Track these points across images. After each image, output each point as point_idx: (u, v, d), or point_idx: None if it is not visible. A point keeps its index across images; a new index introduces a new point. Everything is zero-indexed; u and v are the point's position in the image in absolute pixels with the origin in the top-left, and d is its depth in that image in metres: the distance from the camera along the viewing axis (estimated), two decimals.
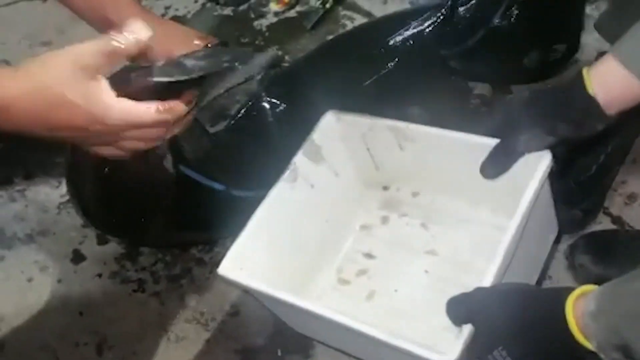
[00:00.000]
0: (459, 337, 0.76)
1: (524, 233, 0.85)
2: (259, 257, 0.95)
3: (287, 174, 0.99)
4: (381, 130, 1.01)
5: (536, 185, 0.86)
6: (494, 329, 0.73)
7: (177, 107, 0.76)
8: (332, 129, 1.04)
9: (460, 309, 0.77)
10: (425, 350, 0.76)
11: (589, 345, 0.65)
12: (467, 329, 0.76)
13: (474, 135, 0.93)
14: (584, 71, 0.84)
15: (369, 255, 1.06)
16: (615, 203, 1.08)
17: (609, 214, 1.07)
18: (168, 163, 0.98)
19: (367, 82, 1.12)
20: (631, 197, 1.09)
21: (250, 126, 1.06)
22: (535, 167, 0.87)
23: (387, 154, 1.04)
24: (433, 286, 1.00)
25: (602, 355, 0.65)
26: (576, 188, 1.05)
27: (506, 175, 0.90)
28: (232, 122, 1.05)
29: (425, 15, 1.08)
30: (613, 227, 1.06)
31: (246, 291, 0.97)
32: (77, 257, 1.22)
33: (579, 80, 0.84)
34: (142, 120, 0.73)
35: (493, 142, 0.91)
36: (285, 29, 1.52)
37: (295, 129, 1.05)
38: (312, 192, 1.03)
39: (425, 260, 1.02)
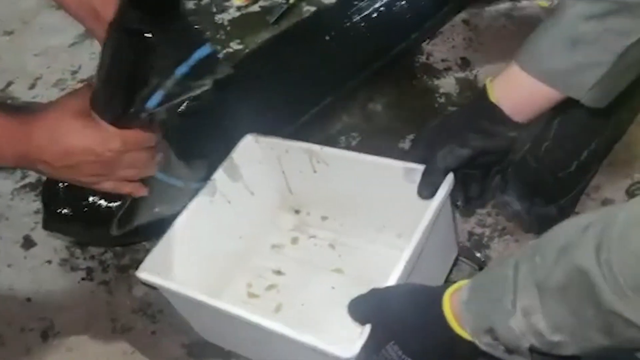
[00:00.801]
0: (360, 335, 0.80)
1: (423, 252, 0.88)
2: (175, 265, 0.98)
3: (206, 188, 1.03)
4: (297, 152, 1.05)
5: (434, 208, 0.89)
6: (385, 325, 0.78)
7: (157, 131, 0.91)
8: (251, 150, 1.08)
9: (359, 309, 0.82)
10: (329, 344, 0.80)
11: (465, 333, 0.71)
12: (367, 327, 0.80)
13: (385, 158, 0.97)
14: (487, 81, 0.90)
15: (278, 272, 1.09)
16: (588, 208, 1.09)
17: None
18: None
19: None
20: (605, 203, 1.10)
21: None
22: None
23: (301, 177, 1.08)
24: (339, 301, 1.02)
25: (476, 341, 0.70)
26: (554, 184, 1.07)
27: (410, 200, 0.93)
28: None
29: None
30: None
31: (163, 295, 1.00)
32: (28, 243, 1.22)
33: (483, 90, 0.89)
34: (136, 142, 0.88)
35: (400, 164, 0.95)
36: (248, 24, 1.53)
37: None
38: (228, 208, 1.07)
39: (332, 277, 1.06)
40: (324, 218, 1.13)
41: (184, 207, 1.02)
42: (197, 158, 1.05)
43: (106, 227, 1.00)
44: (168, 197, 1.02)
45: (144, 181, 0.97)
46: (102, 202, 0.98)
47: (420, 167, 0.94)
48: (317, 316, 1.02)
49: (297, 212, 1.15)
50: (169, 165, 1.00)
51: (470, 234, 1.11)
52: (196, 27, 0.88)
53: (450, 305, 0.73)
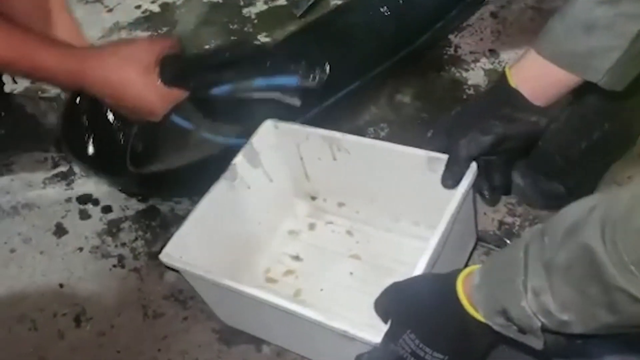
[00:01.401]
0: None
1: (445, 243, 0.89)
2: (196, 248, 0.99)
3: (227, 172, 1.04)
4: (317, 139, 1.05)
5: (459, 198, 0.90)
6: (403, 315, 0.79)
7: None
8: (270, 136, 1.08)
9: (380, 304, 0.83)
10: (358, 329, 0.81)
11: (478, 315, 0.72)
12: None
13: (408, 147, 0.98)
14: (507, 68, 0.90)
15: (296, 258, 1.10)
16: None
17: None
18: None
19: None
20: None
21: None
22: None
23: (319, 164, 1.08)
24: (357, 287, 1.05)
25: (489, 323, 0.72)
26: (562, 162, 1.07)
27: (430, 188, 0.94)
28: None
29: None
30: None
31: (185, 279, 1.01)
32: (60, 231, 1.24)
33: (503, 77, 0.90)
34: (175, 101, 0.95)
35: (424, 153, 0.95)
36: (275, 17, 1.54)
37: None
38: (248, 193, 1.08)
39: (349, 263, 1.07)
40: (340, 205, 1.14)
41: (195, 160, 1.04)
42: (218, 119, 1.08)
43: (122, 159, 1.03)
44: (179, 143, 1.04)
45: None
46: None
47: (444, 157, 0.94)
48: (336, 301, 1.02)
49: (313, 198, 1.15)
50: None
51: (501, 223, 1.12)
52: (322, 63, 0.93)
53: (463, 288, 0.74)
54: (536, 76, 0.88)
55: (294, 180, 1.14)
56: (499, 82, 0.92)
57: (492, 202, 1.11)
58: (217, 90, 0.92)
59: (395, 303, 0.81)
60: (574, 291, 0.62)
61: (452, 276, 0.76)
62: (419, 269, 0.84)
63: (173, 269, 0.98)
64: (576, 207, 0.65)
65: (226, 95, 0.92)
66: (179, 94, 0.94)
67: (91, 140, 1.10)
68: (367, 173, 1.05)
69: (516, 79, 0.89)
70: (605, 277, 0.58)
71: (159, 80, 0.91)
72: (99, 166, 1.16)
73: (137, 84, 0.90)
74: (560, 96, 0.89)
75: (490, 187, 0.97)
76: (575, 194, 1.04)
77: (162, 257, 0.95)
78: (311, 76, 0.91)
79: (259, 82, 0.91)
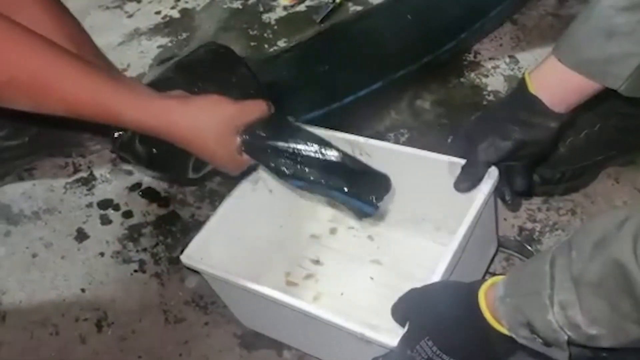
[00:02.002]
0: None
1: (467, 246, 0.89)
2: (217, 251, 0.99)
3: (249, 175, 1.04)
4: (339, 143, 1.03)
5: (480, 203, 0.90)
6: (421, 322, 0.79)
7: None
8: None
9: (398, 310, 0.83)
10: (377, 333, 0.81)
11: (501, 328, 0.72)
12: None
13: (428, 152, 0.98)
14: (526, 74, 0.90)
15: (317, 262, 1.11)
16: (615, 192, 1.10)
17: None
18: None
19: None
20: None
21: None
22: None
23: None
24: (377, 291, 1.05)
25: (513, 335, 0.71)
26: (563, 150, 1.10)
27: (451, 194, 0.94)
28: None
29: None
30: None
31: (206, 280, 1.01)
32: (81, 236, 1.24)
33: (522, 83, 0.90)
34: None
35: (444, 158, 0.95)
36: (294, 23, 1.55)
37: None
38: (270, 197, 1.08)
39: (370, 268, 1.07)
40: None
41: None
42: None
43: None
44: None
45: None
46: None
47: (463, 162, 0.94)
48: (357, 306, 1.02)
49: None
50: None
51: (521, 229, 1.11)
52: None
53: (486, 299, 0.74)
54: (556, 83, 0.88)
55: None
56: (518, 88, 0.92)
57: (514, 206, 1.11)
58: (293, 182, 0.91)
59: (415, 309, 0.81)
60: (604, 306, 0.62)
61: (475, 286, 0.76)
62: (437, 274, 0.84)
63: (194, 271, 0.99)
64: (604, 220, 0.65)
65: (298, 186, 0.92)
66: (256, 164, 0.93)
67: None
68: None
69: (536, 85, 0.89)
70: (637, 292, 0.58)
71: (242, 150, 0.90)
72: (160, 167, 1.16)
73: (217, 152, 0.88)
74: (580, 102, 0.89)
75: (512, 192, 0.97)
76: (570, 183, 1.11)
77: (183, 258, 0.95)
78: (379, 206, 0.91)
79: (338, 195, 0.90)
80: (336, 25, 1.37)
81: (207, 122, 0.85)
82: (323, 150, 0.89)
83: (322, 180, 0.89)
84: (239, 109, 0.87)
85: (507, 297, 0.71)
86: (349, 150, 1.03)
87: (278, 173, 0.90)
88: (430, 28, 1.28)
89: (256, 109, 0.88)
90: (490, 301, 0.73)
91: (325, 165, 0.89)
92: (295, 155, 0.89)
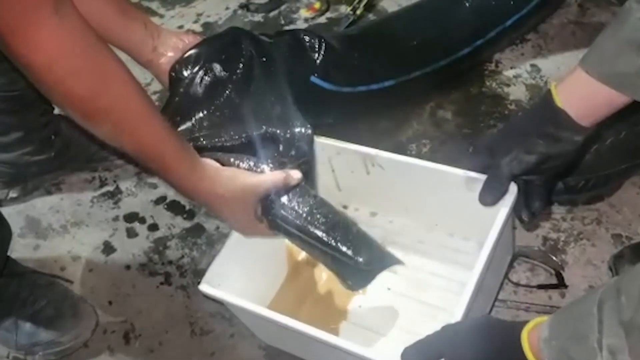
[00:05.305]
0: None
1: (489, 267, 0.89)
2: (236, 272, 1.00)
3: None
4: (350, 155, 1.06)
5: (501, 222, 0.90)
6: None
7: None
8: None
9: (434, 345, 0.81)
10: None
11: None
12: None
13: (444, 165, 0.98)
14: (552, 86, 0.89)
15: None
16: None
17: None
18: None
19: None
20: None
21: None
22: None
23: (352, 177, 1.09)
24: (395, 302, 1.05)
25: None
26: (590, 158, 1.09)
27: (464, 205, 0.94)
28: None
29: None
30: None
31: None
32: (108, 249, 1.26)
33: (548, 95, 0.88)
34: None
35: (461, 172, 0.95)
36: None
37: None
38: None
39: (386, 277, 1.05)
40: (373, 214, 1.14)
41: None
42: None
43: None
44: None
45: None
46: None
47: (480, 176, 0.93)
48: (375, 319, 1.04)
49: (345, 207, 1.15)
50: None
51: (545, 238, 1.11)
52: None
53: (529, 340, 0.73)
54: (584, 96, 0.86)
55: (324, 190, 1.12)
56: (544, 100, 0.90)
57: (530, 226, 1.10)
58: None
59: (451, 346, 0.80)
60: None
61: (517, 327, 0.75)
62: (463, 300, 0.85)
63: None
64: None
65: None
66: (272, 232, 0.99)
67: None
68: (402, 188, 1.05)
69: (562, 98, 0.87)
70: None
71: (261, 219, 0.97)
72: None
73: (236, 218, 0.97)
74: (608, 115, 0.87)
75: (529, 212, 0.95)
76: (591, 189, 1.11)
77: (202, 287, 0.97)
78: None
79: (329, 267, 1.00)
80: (352, 30, 1.39)
81: (230, 191, 0.92)
82: (330, 233, 0.95)
83: (320, 259, 0.99)
84: (258, 181, 0.94)
85: (553, 340, 0.70)
86: (360, 163, 1.05)
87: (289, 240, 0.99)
88: (446, 33, 1.29)
89: (276, 180, 0.94)
90: (533, 342, 0.72)
91: (327, 245, 0.96)
92: (302, 233, 0.96)
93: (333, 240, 0.95)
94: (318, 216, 0.96)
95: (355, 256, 0.95)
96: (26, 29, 0.71)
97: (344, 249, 0.95)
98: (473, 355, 0.77)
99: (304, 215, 0.95)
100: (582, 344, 0.66)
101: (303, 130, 1.00)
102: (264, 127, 1.00)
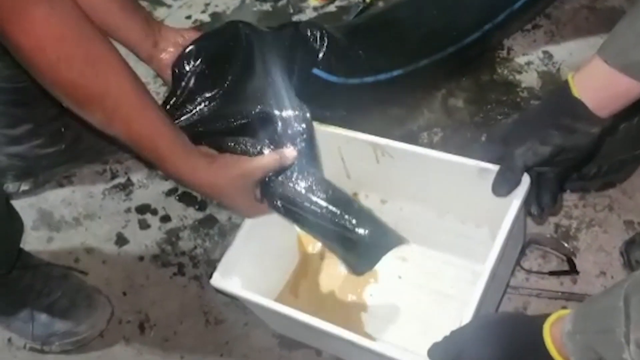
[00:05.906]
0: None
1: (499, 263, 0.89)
2: (247, 266, 1.00)
3: None
4: (360, 144, 1.05)
5: (513, 215, 0.89)
6: (482, 356, 0.77)
7: None
8: None
9: (448, 349, 0.81)
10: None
11: None
12: None
13: (455, 156, 0.97)
14: (569, 76, 0.87)
15: None
16: None
17: None
18: None
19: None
20: None
21: None
22: None
23: (361, 165, 1.08)
24: (407, 291, 1.05)
25: None
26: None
27: (475, 194, 0.94)
28: None
29: None
30: None
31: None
32: (121, 240, 1.27)
33: (566, 86, 0.86)
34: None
35: (473, 163, 0.94)
36: (324, 24, 1.55)
37: None
38: None
39: (397, 266, 1.06)
40: (383, 201, 1.13)
41: None
42: None
43: None
44: None
45: None
46: None
47: (494, 167, 0.92)
48: (387, 308, 1.04)
49: (355, 194, 1.15)
50: None
51: (557, 225, 1.11)
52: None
53: (552, 334, 0.72)
54: (602, 86, 0.84)
55: (334, 178, 1.10)
56: (560, 90, 0.88)
57: (541, 220, 1.10)
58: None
59: (473, 348, 0.79)
60: None
61: (538, 321, 0.74)
62: (475, 296, 0.84)
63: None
64: None
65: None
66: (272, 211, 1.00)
67: None
68: (412, 177, 1.05)
69: (580, 89, 0.85)
70: None
71: (259, 199, 0.98)
72: None
73: (236, 202, 0.98)
74: (626, 105, 0.85)
75: (539, 207, 0.95)
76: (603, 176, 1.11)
77: (213, 282, 0.97)
78: None
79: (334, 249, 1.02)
80: (358, 20, 1.38)
81: (225, 179, 0.93)
82: (330, 208, 0.96)
83: (322, 238, 1.00)
84: (254, 164, 0.95)
85: (577, 334, 0.69)
86: (370, 152, 1.05)
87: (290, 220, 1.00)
88: (453, 18, 1.27)
89: (271, 162, 0.95)
90: (556, 337, 0.72)
91: (328, 221, 0.96)
92: (302, 210, 0.96)
93: (333, 215, 0.95)
94: (317, 192, 0.96)
95: (357, 228, 0.95)
96: (19, 12, 0.72)
97: (345, 222, 0.95)
98: (497, 353, 0.77)
99: (303, 192, 0.96)
100: (608, 338, 0.65)
101: (299, 109, 1.00)
102: (259, 107, 1.00)
